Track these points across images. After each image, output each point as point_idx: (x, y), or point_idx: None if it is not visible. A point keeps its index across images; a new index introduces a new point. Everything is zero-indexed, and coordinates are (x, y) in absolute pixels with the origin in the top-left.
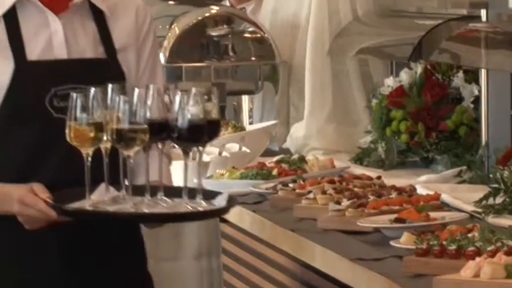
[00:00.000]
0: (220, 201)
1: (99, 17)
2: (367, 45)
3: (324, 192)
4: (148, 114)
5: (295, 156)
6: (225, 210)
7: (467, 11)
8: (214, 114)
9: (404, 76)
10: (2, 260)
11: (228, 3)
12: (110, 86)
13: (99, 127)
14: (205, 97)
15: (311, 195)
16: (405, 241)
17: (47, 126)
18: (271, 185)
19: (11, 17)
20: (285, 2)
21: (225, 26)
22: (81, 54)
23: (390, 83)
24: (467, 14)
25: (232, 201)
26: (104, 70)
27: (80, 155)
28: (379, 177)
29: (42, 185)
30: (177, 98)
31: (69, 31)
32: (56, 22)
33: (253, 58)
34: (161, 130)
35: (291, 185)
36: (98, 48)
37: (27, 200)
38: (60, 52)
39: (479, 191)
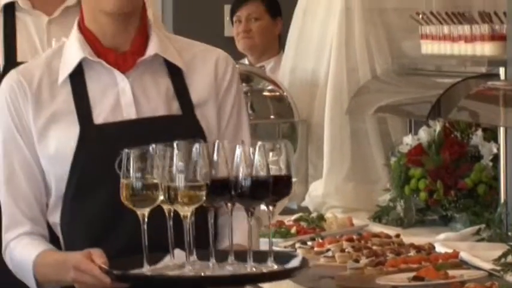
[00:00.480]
0: (294, 263)
1: (174, 72)
2: (386, 103)
3: (342, 251)
4: (204, 171)
5: (314, 215)
6: (287, 272)
7: (485, 69)
8: (282, 170)
9: (423, 134)
10: None
11: (246, 62)
12: (175, 142)
13: (153, 186)
14: (273, 152)
15: (329, 253)
16: None
17: (117, 192)
18: (290, 243)
19: (78, 78)
20: (303, 61)
21: (244, 84)
22: (153, 112)
23: (409, 141)
24: (486, 72)
25: (304, 262)
26: (179, 127)
27: (151, 219)
28: (397, 236)
29: (100, 250)
30: (238, 152)
31: (138, 89)
32: (123, 81)
33: (272, 116)
34: (223, 188)
35: (309, 243)
36: (172, 105)
37: (82, 266)
38: (128, 112)
39: (498, 249)
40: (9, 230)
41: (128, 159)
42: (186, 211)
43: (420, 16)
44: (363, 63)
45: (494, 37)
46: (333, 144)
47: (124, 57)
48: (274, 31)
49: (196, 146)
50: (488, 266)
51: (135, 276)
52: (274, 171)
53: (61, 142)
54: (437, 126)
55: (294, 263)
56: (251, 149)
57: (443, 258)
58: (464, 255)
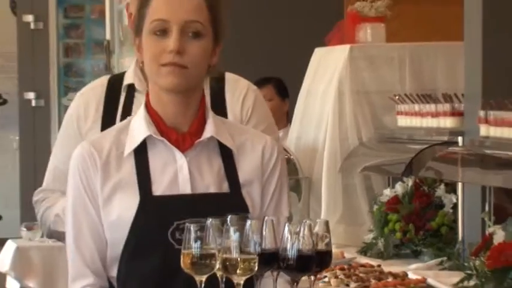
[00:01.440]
0: None
1: (226, 153)
2: (370, 164)
3: (336, 277)
4: (256, 245)
5: None
6: None
7: (447, 138)
8: (325, 245)
9: (399, 188)
10: None
11: None
12: (228, 217)
13: (211, 256)
14: (318, 230)
15: (326, 279)
16: None
17: (168, 258)
18: None
19: (141, 153)
20: (306, 131)
21: None
22: (205, 189)
23: (387, 193)
24: (447, 140)
25: None
26: (227, 204)
27: (206, 283)
28: (379, 266)
29: None
30: (287, 229)
31: (194, 167)
32: (181, 159)
33: None
34: (272, 260)
35: None
36: (222, 184)
37: None
38: (184, 188)
39: (457, 276)
40: (75, 281)
41: (189, 231)
42: (240, 279)
43: (396, 97)
44: (352, 133)
45: (454, 113)
46: (329, 195)
47: (183, 137)
48: (283, 109)
49: (249, 221)
50: None
51: None
52: (319, 246)
53: (122, 209)
54: (410, 181)
55: None
56: (301, 226)
57: (414, 283)
58: (430, 280)
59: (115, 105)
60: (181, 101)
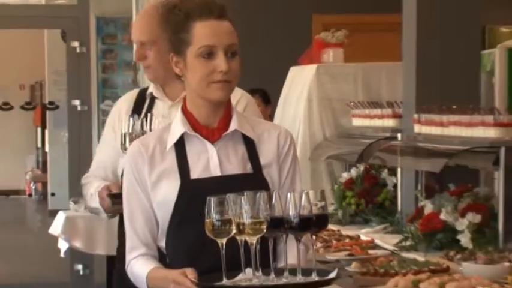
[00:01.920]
0: (331, 276)
1: (248, 142)
2: (332, 154)
3: None
4: (265, 211)
5: None
6: (326, 282)
7: (390, 134)
8: (322, 210)
9: (353, 172)
10: None
11: None
12: (245, 192)
13: (228, 222)
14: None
15: None
16: (354, 267)
17: (204, 227)
18: None
19: (180, 146)
20: (287, 118)
21: None
22: (232, 171)
23: (345, 176)
24: (390, 136)
25: (338, 274)
26: (251, 182)
27: (228, 246)
28: (338, 230)
29: (192, 269)
30: (290, 197)
31: (222, 154)
32: (212, 149)
33: None
34: (279, 224)
35: None
36: (246, 166)
37: (178, 279)
38: (215, 171)
39: (396, 238)
40: (131, 252)
41: (210, 204)
42: (253, 240)
43: (351, 104)
44: (318, 131)
45: (395, 116)
46: (302, 179)
47: (213, 132)
48: (267, 113)
49: (258, 193)
50: (391, 247)
51: (217, 286)
52: (315, 210)
53: (167, 192)
54: (361, 167)
55: (332, 275)
56: (300, 195)
57: (365, 243)
58: (377, 241)
59: (140, 110)
60: (214, 106)
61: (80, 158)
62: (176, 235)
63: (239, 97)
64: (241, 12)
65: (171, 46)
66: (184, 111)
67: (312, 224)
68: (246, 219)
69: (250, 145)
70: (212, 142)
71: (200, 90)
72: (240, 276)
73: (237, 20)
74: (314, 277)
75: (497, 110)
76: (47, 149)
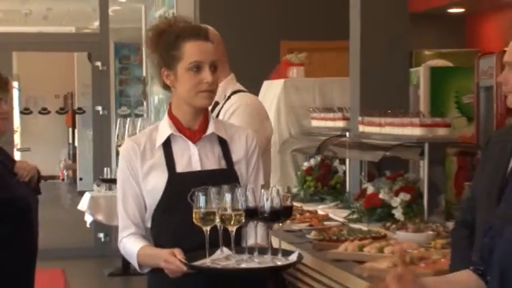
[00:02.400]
0: (293, 257)
1: (222, 142)
2: (296, 148)
3: None
4: (243, 204)
5: None
6: (295, 263)
7: (340, 132)
8: (289, 202)
9: (312, 161)
10: None
11: None
12: (223, 186)
13: (213, 213)
14: (284, 191)
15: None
16: (313, 235)
17: (188, 213)
18: None
19: (167, 145)
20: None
21: None
22: (210, 166)
23: (306, 164)
24: (340, 134)
25: (300, 256)
26: (225, 176)
27: (209, 232)
28: (301, 207)
29: (179, 250)
30: (263, 192)
31: (202, 153)
32: (194, 148)
33: None
34: (253, 214)
35: None
36: (221, 162)
37: (169, 259)
38: (196, 166)
39: (345, 212)
40: (123, 231)
41: (197, 196)
42: (233, 228)
43: (311, 109)
44: (285, 130)
45: (344, 118)
46: (273, 167)
47: (194, 133)
48: None
49: (238, 189)
50: (341, 220)
51: (198, 267)
52: (283, 203)
53: (156, 182)
54: (318, 158)
55: (293, 257)
56: (272, 190)
57: (322, 216)
58: (331, 215)
59: None
60: (197, 112)
61: (102, 151)
62: (162, 218)
63: (246, 135)
64: (225, 37)
65: (162, 62)
66: (170, 115)
67: (281, 214)
68: (229, 211)
69: (224, 145)
70: (194, 142)
71: (188, 98)
72: (218, 254)
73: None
74: (280, 257)
75: (422, 114)
76: (76, 144)
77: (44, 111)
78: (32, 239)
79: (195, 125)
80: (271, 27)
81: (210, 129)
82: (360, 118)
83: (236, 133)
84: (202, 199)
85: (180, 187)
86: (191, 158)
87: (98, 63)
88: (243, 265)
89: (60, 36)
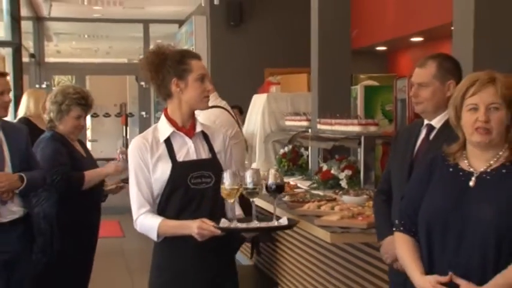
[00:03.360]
0: (284, 221)
1: (206, 137)
2: (275, 139)
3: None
4: (239, 183)
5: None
6: (295, 224)
7: (305, 129)
8: (281, 181)
9: (286, 149)
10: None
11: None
12: (224, 171)
13: (236, 189)
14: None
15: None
16: (286, 198)
17: (188, 193)
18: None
19: (168, 141)
20: (250, 128)
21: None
22: (202, 156)
23: (282, 151)
24: (305, 130)
25: (293, 220)
26: (212, 164)
27: (203, 207)
28: None
29: (206, 219)
30: (248, 173)
31: (196, 146)
32: (190, 142)
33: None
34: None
35: None
36: (208, 154)
37: (202, 225)
38: (192, 156)
39: (309, 183)
40: (139, 209)
41: (225, 176)
42: (253, 199)
43: (285, 114)
44: (268, 128)
45: (307, 120)
46: (259, 153)
47: (188, 131)
48: (241, 118)
49: (252, 170)
50: (306, 188)
51: (228, 228)
52: (278, 182)
53: (163, 170)
54: (290, 146)
55: (285, 220)
56: (271, 172)
57: (293, 186)
58: (299, 184)
59: None
60: (191, 114)
61: None
62: (168, 197)
63: (224, 133)
64: (230, 66)
65: (174, 74)
66: (167, 117)
67: (281, 189)
68: (250, 187)
69: (207, 140)
70: (189, 137)
71: (194, 102)
72: (224, 221)
73: (224, 69)
74: (277, 221)
75: (359, 117)
76: (128, 136)
77: (107, 115)
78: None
79: (188, 125)
80: (259, 60)
81: (199, 127)
82: (317, 119)
83: (215, 132)
84: (228, 177)
85: (182, 172)
86: (189, 150)
87: (142, 83)
88: (263, 224)
89: (117, 65)
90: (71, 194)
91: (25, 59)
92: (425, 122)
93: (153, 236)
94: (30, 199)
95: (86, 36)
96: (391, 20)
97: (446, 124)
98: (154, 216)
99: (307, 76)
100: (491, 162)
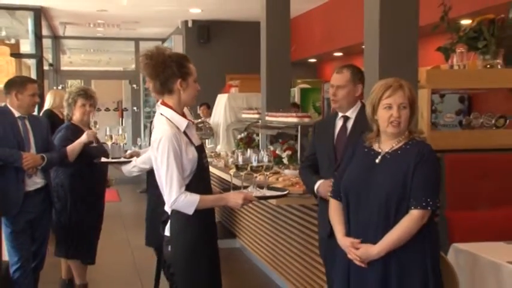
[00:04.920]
0: (283, 191)
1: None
2: (234, 128)
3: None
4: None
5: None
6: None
7: (256, 120)
8: (271, 162)
9: (243, 135)
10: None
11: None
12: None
13: (247, 165)
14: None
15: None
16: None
17: (204, 170)
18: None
19: (186, 132)
20: (216, 119)
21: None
22: (198, 142)
23: (239, 136)
24: (256, 120)
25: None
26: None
27: (209, 180)
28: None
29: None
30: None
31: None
32: (194, 129)
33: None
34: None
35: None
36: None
37: (246, 196)
38: (199, 141)
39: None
40: (180, 188)
41: (237, 156)
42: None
43: (242, 109)
44: (229, 119)
45: (258, 113)
46: (222, 139)
47: (192, 122)
48: (210, 113)
49: (258, 151)
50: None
51: (263, 197)
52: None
53: (193, 153)
54: (246, 133)
55: (282, 190)
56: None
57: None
58: (252, 161)
59: None
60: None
61: (135, 130)
62: (196, 180)
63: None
64: (202, 71)
65: (179, 75)
66: (176, 112)
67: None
68: (253, 164)
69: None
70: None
71: (189, 100)
72: (252, 189)
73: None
74: (279, 191)
75: (296, 111)
76: (123, 125)
77: (107, 109)
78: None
79: (190, 116)
80: (222, 68)
81: (189, 118)
82: (266, 113)
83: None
84: (240, 158)
85: (200, 154)
86: (196, 136)
87: (134, 85)
88: (279, 193)
89: (115, 72)
90: (81, 168)
91: (45, 67)
92: (340, 114)
93: (190, 211)
94: (49, 173)
95: (91, 50)
96: (319, 40)
97: (358, 115)
98: (191, 193)
99: (259, 80)
100: (394, 145)
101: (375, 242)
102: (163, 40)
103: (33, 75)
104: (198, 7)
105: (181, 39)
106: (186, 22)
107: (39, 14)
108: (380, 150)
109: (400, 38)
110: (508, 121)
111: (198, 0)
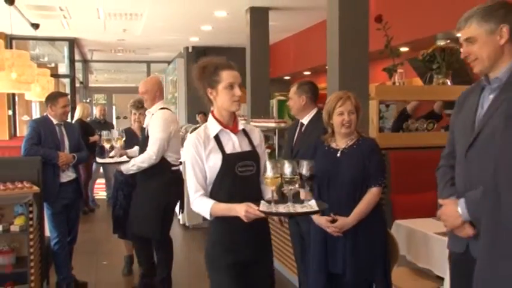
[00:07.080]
0: (314, 205)
1: (246, 133)
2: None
3: None
4: (279, 171)
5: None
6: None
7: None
8: (313, 172)
9: None
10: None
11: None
12: (266, 161)
13: (277, 178)
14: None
15: None
16: None
17: (236, 180)
18: None
19: (217, 137)
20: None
21: None
22: (244, 149)
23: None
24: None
25: (321, 204)
26: (253, 155)
27: (249, 190)
28: None
29: (250, 203)
30: (287, 164)
31: (239, 140)
32: (234, 137)
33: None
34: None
35: None
36: (249, 146)
37: (249, 209)
38: (237, 149)
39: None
40: (196, 193)
41: (266, 165)
42: (273, 186)
43: None
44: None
45: (245, 119)
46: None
47: (232, 128)
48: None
49: (290, 161)
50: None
51: (271, 213)
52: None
53: (215, 160)
54: None
55: (314, 205)
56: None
57: None
58: None
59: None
60: (232, 114)
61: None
62: (219, 183)
63: (258, 130)
64: (196, 88)
65: (207, 85)
66: (215, 117)
67: (312, 178)
68: (289, 175)
69: (247, 135)
70: (235, 134)
71: (226, 106)
72: (267, 204)
73: (195, 91)
74: (310, 204)
75: (274, 118)
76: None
77: (125, 118)
78: None
79: (231, 123)
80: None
81: (240, 126)
82: (251, 119)
83: (252, 129)
84: (270, 169)
85: (230, 162)
86: (234, 144)
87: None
88: (299, 210)
89: (132, 87)
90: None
91: (77, 85)
92: (300, 120)
93: (206, 215)
94: (79, 168)
95: (112, 70)
96: (292, 62)
97: (310, 121)
98: (208, 199)
99: (245, 93)
100: (348, 142)
101: (347, 215)
102: (169, 62)
103: (68, 91)
104: (197, 36)
105: (183, 62)
106: (187, 48)
107: (73, 43)
108: (338, 147)
109: (355, 61)
110: (435, 125)
111: (197, 31)
